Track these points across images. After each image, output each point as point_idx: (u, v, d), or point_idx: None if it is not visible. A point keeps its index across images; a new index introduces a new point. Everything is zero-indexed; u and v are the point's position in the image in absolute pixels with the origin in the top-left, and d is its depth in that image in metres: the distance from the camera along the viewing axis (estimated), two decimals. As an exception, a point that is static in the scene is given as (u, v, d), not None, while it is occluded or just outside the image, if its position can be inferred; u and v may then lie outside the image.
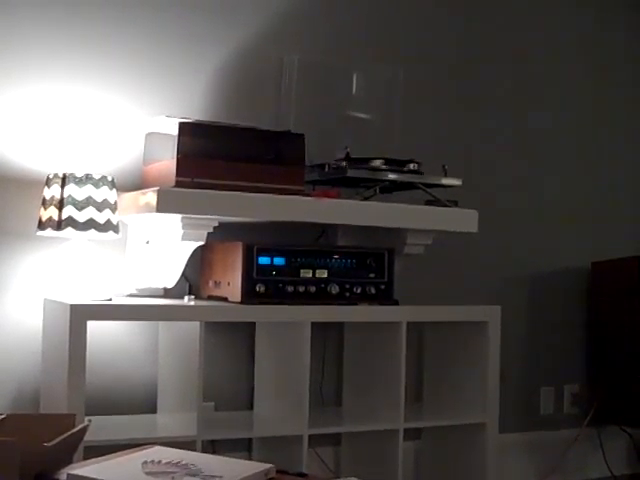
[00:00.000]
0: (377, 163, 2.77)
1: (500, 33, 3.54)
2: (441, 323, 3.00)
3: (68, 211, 2.42)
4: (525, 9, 3.59)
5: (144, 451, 1.75)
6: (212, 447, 2.70)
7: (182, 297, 2.65)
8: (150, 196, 2.43)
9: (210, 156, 2.52)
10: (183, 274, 2.64)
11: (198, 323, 2.47)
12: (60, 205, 2.43)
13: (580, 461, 3.63)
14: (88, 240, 2.54)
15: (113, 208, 2.50)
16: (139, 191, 2.54)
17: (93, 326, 2.39)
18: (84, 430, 1.77)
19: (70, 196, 2.43)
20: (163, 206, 2.40)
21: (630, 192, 3.87)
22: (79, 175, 2.45)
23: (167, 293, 2.76)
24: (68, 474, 1.57)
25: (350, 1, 3.21)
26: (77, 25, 2.71)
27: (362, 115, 3.15)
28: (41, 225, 2.48)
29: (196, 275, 2.80)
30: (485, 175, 3.42)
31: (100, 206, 2.45)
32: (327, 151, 2.81)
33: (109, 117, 2.76)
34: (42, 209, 2.48)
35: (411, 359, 2.93)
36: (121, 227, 2.58)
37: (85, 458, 1.95)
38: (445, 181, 2.86)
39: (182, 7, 2.88)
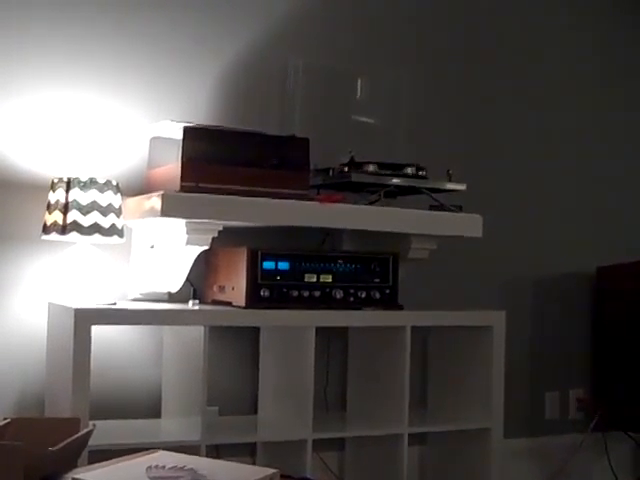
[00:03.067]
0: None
1: (504, 35, 3.53)
2: (446, 328, 3.00)
3: (73, 215, 2.42)
4: (529, 10, 3.59)
5: (148, 456, 1.75)
6: (216, 452, 2.69)
7: (186, 302, 2.65)
8: (155, 200, 2.43)
9: (215, 161, 2.52)
10: (187, 279, 2.64)
11: (202, 328, 2.47)
12: (65, 209, 2.44)
13: (585, 466, 3.61)
14: (92, 244, 2.54)
15: (118, 212, 2.50)
16: (144, 195, 2.55)
17: (97, 330, 2.39)
18: (88, 434, 1.78)
19: (75, 200, 2.43)
20: (168, 210, 2.40)
21: (636, 196, 3.86)
22: (84, 179, 2.46)
23: (171, 297, 2.76)
24: (72, 478, 1.58)
25: (354, 5, 3.21)
26: (80, 32, 2.71)
27: (366, 119, 3.15)
28: (46, 229, 2.48)
29: (200, 280, 2.79)
30: (490, 179, 3.42)
31: (105, 210, 2.45)
32: (331, 155, 2.81)
33: (113, 121, 2.76)
34: (47, 213, 2.49)
35: (415, 364, 2.93)
36: (125, 231, 2.58)
37: (89, 462, 1.95)
38: (449, 186, 2.86)
39: (186, 12, 2.88)
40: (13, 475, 1.49)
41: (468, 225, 2.85)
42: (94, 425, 1.86)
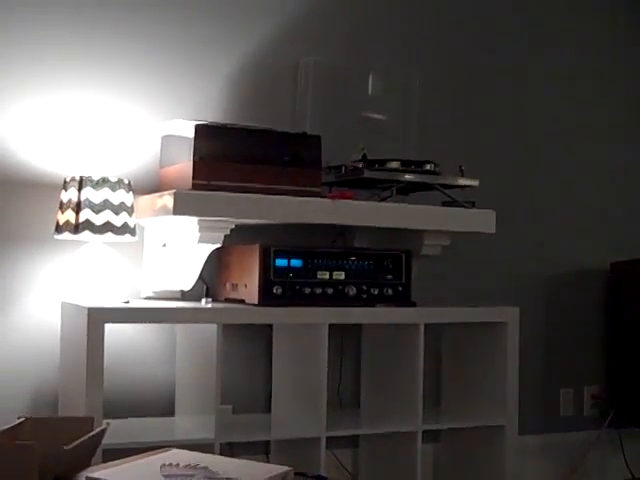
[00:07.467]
0: (394, 164, 2.76)
1: (514, 32, 3.52)
2: (459, 324, 2.99)
3: (85, 214, 2.43)
4: (544, 9, 3.57)
5: (162, 454, 1.75)
6: (230, 450, 2.69)
7: (199, 300, 2.65)
8: (167, 199, 2.43)
9: (226, 158, 2.52)
10: (200, 277, 2.64)
11: (215, 325, 2.46)
12: (77, 208, 2.44)
13: (600, 463, 3.60)
14: (105, 243, 2.55)
15: (130, 211, 2.50)
16: (156, 194, 2.55)
17: (111, 329, 2.39)
18: (102, 433, 1.77)
19: (87, 199, 2.44)
20: (180, 209, 2.40)
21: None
22: (96, 178, 2.46)
23: (184, 296, 2.76)
24: (87, 477, 1.58)
25: (366, 2, 3.20)
26: (92, 32, 2.72)
27: (378, 116, 3.14)
28: (58, 228, 2.48)
29: (213, 277, 2.80)
30: (502, 175, 3.40)
31: (117, 209, 2.46)
32: (343, 152, 2.81)
33: (125, 120, 2.76)
34: (59, 212, 2.49)
35: (429, 361, 2.92)
36: (138, 230, 2.59)
37: (104, 461, 1.95)
38: (462, 182, 2.84)
39: (197, 11, 2.88)
40: (27, 474, 1.49)
41: (481, 221, 2.84)
42: (108, 424, 1.86)
